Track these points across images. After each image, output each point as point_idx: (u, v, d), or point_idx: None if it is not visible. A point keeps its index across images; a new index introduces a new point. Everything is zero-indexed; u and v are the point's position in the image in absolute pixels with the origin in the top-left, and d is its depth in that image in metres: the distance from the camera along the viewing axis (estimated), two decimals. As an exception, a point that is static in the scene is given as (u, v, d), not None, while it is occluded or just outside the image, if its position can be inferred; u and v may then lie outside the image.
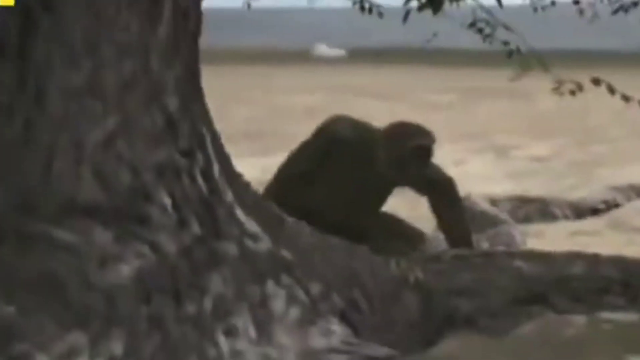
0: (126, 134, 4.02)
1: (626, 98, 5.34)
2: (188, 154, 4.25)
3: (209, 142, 4.42)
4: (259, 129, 15.58)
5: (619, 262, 5.24)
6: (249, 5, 7.53)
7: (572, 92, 5.52)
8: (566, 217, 8.97)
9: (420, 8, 6.45)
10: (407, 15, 6.03)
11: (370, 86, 22.84)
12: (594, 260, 5.21)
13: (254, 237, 4.30)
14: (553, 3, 7.76)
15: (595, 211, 9.17)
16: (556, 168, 11.36)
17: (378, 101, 18.98)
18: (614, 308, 5.06)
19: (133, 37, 4.10)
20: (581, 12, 7.81)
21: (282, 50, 44.10)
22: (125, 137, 4.01)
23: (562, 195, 9.60)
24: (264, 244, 4.32)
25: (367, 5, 7.12)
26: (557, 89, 5.53)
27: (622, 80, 12.89)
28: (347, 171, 5.55)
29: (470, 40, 7.78)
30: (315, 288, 4.42)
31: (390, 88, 22.24)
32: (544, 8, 7.90)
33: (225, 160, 4.62)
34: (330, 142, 5.51)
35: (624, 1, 6.33)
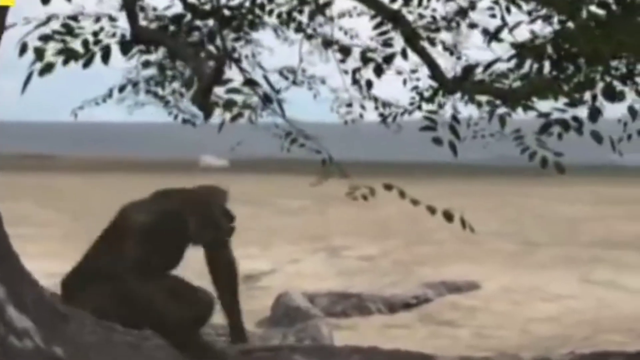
0: None
1: (415, 202, 5.04)
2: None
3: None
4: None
5: (394, 355, 4.90)
6: (75, 115, 7.09)
7: (364, 197, 5.19)
8: (380, 312, 8.72)
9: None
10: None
11: (239, 193, 22.46)
12: (371, 353, 4.86)
13: (22, 335, 3.83)
14: (361, 116, 7.48)
15: (407, 306, 8.95)
16: (382, 267, 11.11)
17: (244, 207, 18.60)
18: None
19: None
20: (386, 124, 7.52)
21: (172, 161, 43.65)
22: None
23: (383, 291, 9.36)
24: (32, 342, 3.86)
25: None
26: (350, 194, 5.20)
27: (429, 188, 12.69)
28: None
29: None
30: (87, 385, 3.96)
31: (257, 195, 21.95)
32: (354, 121, 7.62)
33: (7, 260, 4.17)
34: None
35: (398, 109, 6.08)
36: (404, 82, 6.60)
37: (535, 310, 9.14)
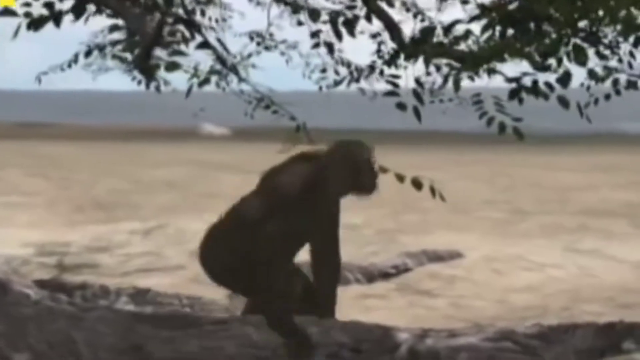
0: None
1: (384, 170, 4.87)
2: None
3: None
4: (115, 199, 14.87)
5: (351, 327, 4.72)
6: (40, 81, 6.84)
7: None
8: (358, 281, 8.55)
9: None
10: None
11: (231, 161, 22.32)
12: (328, 325, 4.68)
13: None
14: (335, 81, 7.25)
15: (386, 275, 8.78)
16: (365, 235, 10.92)
17: (233, 175, 18.46)
18: (344, 373, 4.54)
19: None
20: (362, 91, 7.28)
21: (172, 129, 43.35)
22: None
23: (361, 261, 9.17)
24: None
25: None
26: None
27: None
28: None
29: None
30: (21, 358, 3.79)
31: (248, 163, 21.71)
32: (328, 87, 7.39)
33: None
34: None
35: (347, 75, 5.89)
36: (379, 45, 6.39)
37: (517, 279, 8.96)
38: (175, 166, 21.00)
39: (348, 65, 7.04)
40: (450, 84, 4.86)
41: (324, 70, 7.25)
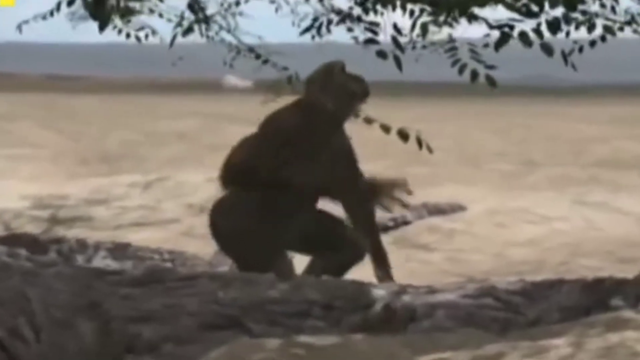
0: None
1: (369, 121, 4.68)
2: None
3: None
4: (122, 152, 14.74)
5: (323, 284, 4.54)
6: (20, 30, 6.64)
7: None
8: (354, 235, 8.37)
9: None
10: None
11: (246, 113, 22.06)
12: (297, 283, 4.50)
13: None
14: (328, 30, 6.98)
15: (385, 229, 8.57)
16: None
17: (244, 127, 18.29)
18: (314, 331, 4.35)
19: None
20: (356, 40, 7.04)
21: (195, 81, 43.09)
22: None
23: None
24: None
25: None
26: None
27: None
28: None
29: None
30: (-33, 317, 3.63)
31: (261, 116, 21.52)
32: (321, 36, 7.14)
33: None
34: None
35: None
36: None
37: (519, 233, 8.74)
38: (188, 118, 20.81)
39: (339, 12, 6.78)
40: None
41: (315, 19, 7.01)
